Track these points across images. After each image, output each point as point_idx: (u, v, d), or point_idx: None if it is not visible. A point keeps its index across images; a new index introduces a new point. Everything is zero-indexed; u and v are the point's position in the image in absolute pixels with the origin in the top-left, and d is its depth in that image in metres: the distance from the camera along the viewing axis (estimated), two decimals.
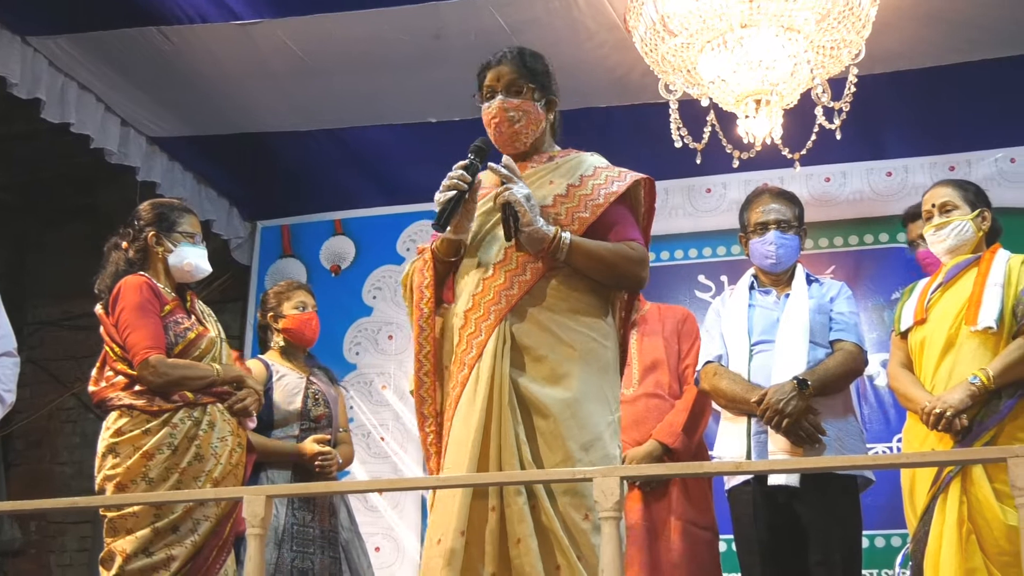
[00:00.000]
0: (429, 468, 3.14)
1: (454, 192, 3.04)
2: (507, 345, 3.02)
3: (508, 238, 3.08)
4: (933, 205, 4.03)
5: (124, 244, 4.14)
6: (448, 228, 3.07)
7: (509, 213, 3.04)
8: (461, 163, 3.11)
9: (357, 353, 7.09)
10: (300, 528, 4.46)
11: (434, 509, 2.98)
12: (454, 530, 2.85)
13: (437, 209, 3.06)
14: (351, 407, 6.84)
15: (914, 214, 4.67)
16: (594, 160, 3.31)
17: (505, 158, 3.19)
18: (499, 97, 3.24)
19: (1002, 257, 3.87)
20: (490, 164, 3.15)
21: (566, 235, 3.07)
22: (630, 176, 3.26)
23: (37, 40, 5.65)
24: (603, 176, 3.24)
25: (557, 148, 3.37)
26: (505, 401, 2.96)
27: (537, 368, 3.03)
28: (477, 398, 2.96)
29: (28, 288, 7.99)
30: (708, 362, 4.30)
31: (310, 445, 4.57)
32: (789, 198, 4.47)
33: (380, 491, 6.53)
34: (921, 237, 4.53)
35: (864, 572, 4.28)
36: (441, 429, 3.10)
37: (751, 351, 4.23)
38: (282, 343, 4.84)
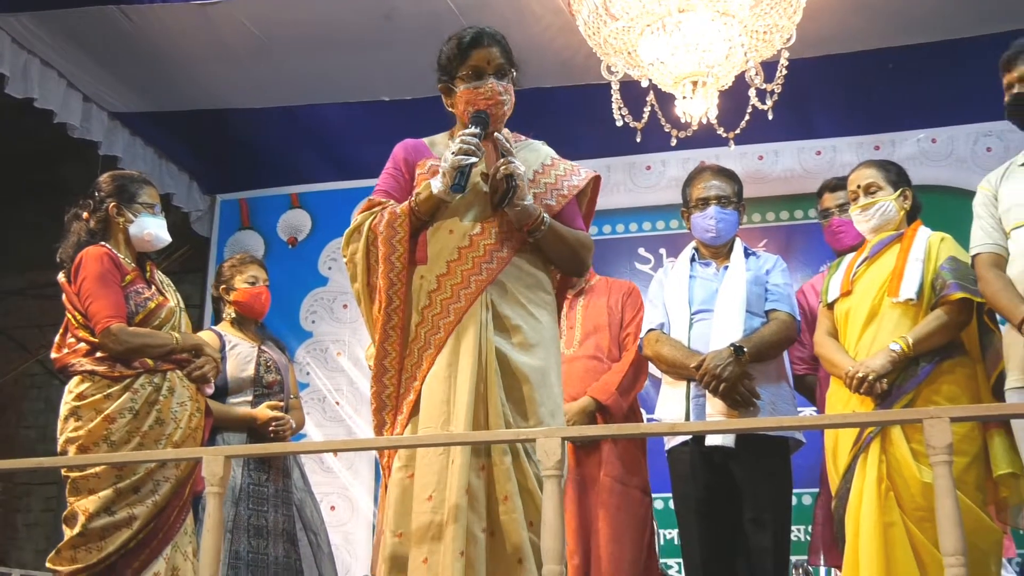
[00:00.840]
0: (379, 419, 3.08)
1: (474, 158, 3.02)
2: (490, 314, 3.03)
3: (498, 207, 3.08)
4: (858, 186, 4.06)
5: (85, 215, 4.09)
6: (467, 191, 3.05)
7: (511, 185, 3.04)
8: (472, 131, 3.07)
9: (313, 321, 7.08)
10: (256, 487, 4.45)
11: (416, 465, 2.94)
12: (458, 487, 2.84)
13: (450, 170, 3.00)
14: (307, 373, 6.85)
15: (833, 186, 4.71)
16: (547, 149, 3.34)
17: (505, 130, 3.19)
18: (492, 79, 3.18)
19: (923, 234, 3.92)
20: (496, 135, 3.14)
21: (546, 216, 3.11)
22: (586, 172, 3.32)
23: (0, 17, 5.55)
24: (562, 168, 3.28)
25: (507, 130, 3.34)
26: (494, 367, 2.98)
27: (514, 337, 3.05)
28: (464, 362, 2.95)
29: None
30: (651, 329, 4.33)
31: (264, 411, 4.56)
32: (729, 175, 4.50)
33: (335, 452, 6.54)
34: (839, 207, 4.59)
35: (792, 528, 4.33)
36: (400, 383, 3.07)
37: (691, 319, 4.26)
38: (233, 315, 4.82)
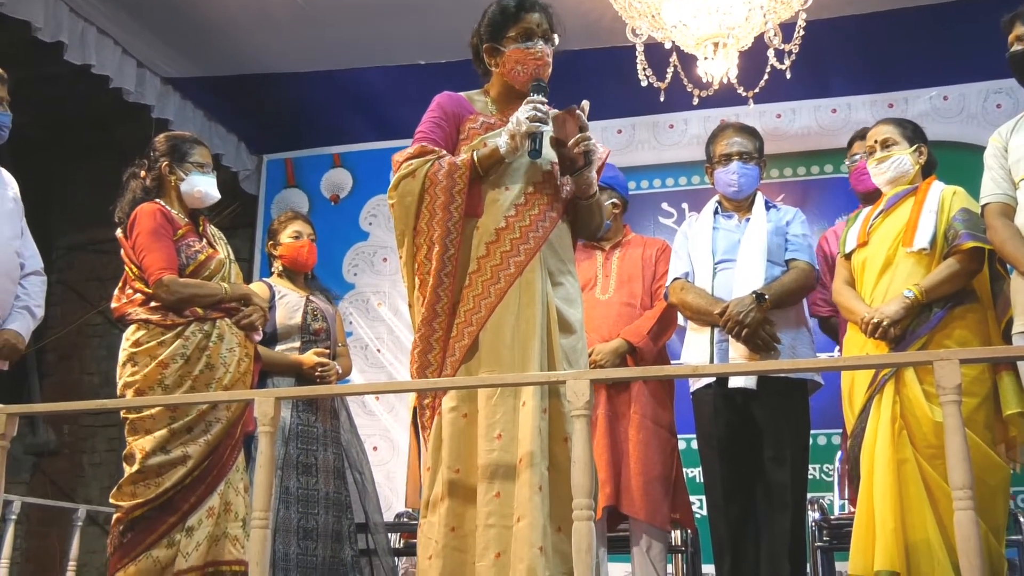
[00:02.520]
0: (424, 360, 3.05)
1: (545, 126, 3.06)
2: (545, 269, 3.07)
3: (567, 174, 3.15)
4: (876, 141, 4.02)
5: (142, 173, 4.11)
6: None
7: (589, 160, 3.11)
8: (541, 99, 3.08)
9: (355, 274, 7.11)
10: (305, 428, 4.47)
11: (481, 406, 2.94)
12: (532, 428, 2.86)
13: (524, 136, 3.03)
14: (350, 322, 6.87)
15: (864, 135, 4.63)
16: None
17: (585, 102, 3.16)
18: (542, 43, 3.20)
19: (937, 187, 3.87)
20: (577, 110, 3.11)
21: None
22: (603, 147, 3.35)
23: None
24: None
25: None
26: (554, 318, 3.04)
27: (560, 291, 3.11)
28: (530, 312, 2.99)
29: (56, 217, 7.96)
30: (676, 278, 4.31)
31: (310, 357, 4.57)
32: (751, 132, 4.45)
33: (377, 395, 6.57)
34: (868, 153, 4.52)
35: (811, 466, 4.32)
36: (451, 327, 3.04)
37: (715, 268, 4.23)
38: (281, 268, 4.83)
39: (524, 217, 3.07)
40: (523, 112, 3.05)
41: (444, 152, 3.13)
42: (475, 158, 3.07)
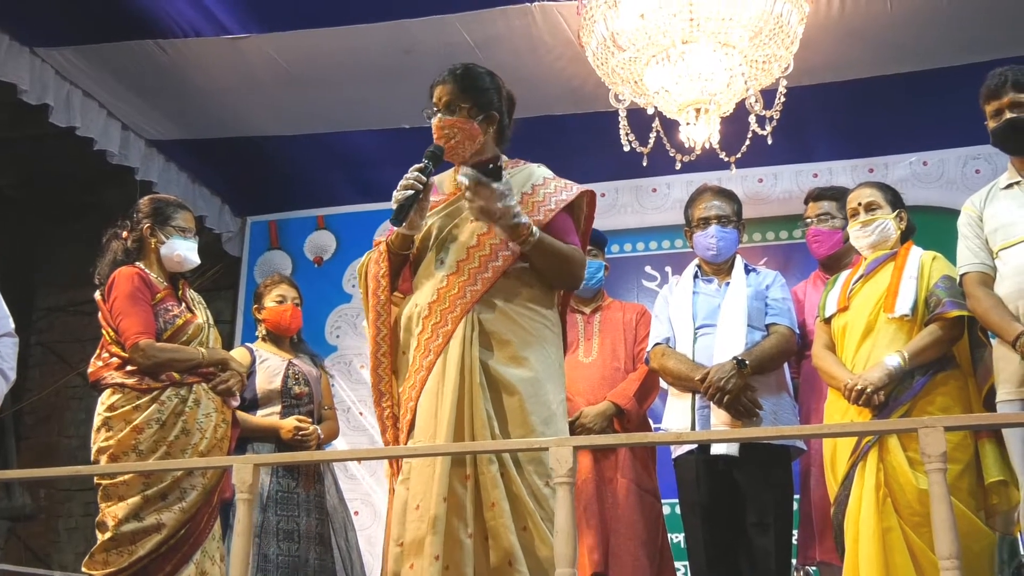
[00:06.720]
0: (384, 439, 3.16)
1: (411, 191, 3.02)
2: (475, 332, 3.02)
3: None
4: (859, 204, 4.03)
5: (124, 234, 4.10)
6: (404, 224, 3.05)
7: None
8: (417, 166, 3.08)
9: (338, 336, 7.07)
10: (284, 494, 4.41)
11: (411, 478, 2.94)
12: (436, 495, 2.83)
13: (394, 207, 3.04)
14: (333, 385, 6.80)
15: (817, 195, 4.67)
16: (542, 171, 3.29)
17: (464, 169, 3.08)
18: (439, 115, 3.21)
19: (916, 253, 3.89)
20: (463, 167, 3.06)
21: (535, 230, 3.05)
22: (576, 187, 3.26)
23: (44, 51, 5.60)
24: (552, 186, 3.23)
25: (505, 158, 3.32)
26: (476, 381, 2.96)
27: (502, 351, 3.03)
28: (448, 379, 2.95)
29: (37, 277, 7.92)
30: (657, 344, 4.30)
31: (289, 421, 4.53)
32: (729, 196, 4.47)
33: (359, 460, 6.50)
34: (817, 217, 4.55)
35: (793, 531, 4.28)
36: (396, 405, 3.12)
37: (695, 334, 4.22)
38: (265, 332, 4.82)
39: (453, 286, 3.06)
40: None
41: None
42: (387, 240, 3.15)
